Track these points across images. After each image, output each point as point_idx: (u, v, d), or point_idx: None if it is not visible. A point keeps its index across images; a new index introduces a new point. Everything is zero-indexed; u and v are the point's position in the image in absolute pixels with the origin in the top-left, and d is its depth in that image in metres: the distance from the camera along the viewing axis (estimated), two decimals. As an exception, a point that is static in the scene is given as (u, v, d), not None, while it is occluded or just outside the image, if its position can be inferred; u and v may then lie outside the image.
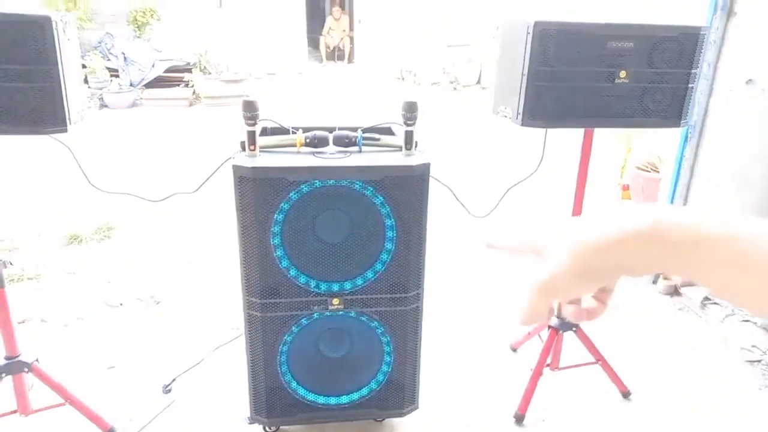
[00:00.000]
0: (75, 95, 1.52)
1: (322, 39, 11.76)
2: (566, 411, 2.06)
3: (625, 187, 3.40)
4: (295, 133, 1.72)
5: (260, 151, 1.63)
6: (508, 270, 3.14)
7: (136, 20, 8.63)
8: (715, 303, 2.68)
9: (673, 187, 2.76)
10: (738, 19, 2.42)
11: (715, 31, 2.50)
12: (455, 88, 10.02)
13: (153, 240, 3.55)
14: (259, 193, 1.55)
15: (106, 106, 8.07)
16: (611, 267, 0.43)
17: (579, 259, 0.43)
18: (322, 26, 11.65)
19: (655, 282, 2.94)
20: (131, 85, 8.37)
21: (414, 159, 1.62)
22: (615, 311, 2.74)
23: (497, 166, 4.96)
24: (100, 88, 8.08)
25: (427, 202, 1.64)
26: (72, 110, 1.49)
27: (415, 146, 1.70)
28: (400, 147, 1.67)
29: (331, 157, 1.63)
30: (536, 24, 1.56)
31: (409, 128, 1.65)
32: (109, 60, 8.47)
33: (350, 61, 11.55)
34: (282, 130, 1.79)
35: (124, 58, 8.42)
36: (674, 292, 2.86)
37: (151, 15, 8.58)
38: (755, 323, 2.51)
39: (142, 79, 8.48)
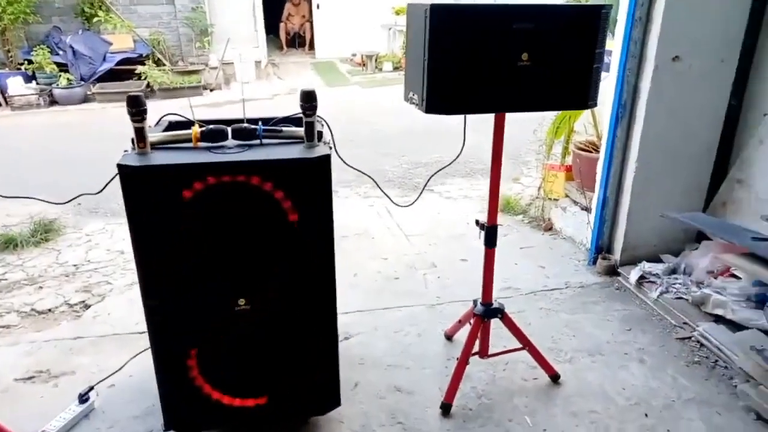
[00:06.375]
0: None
1: (282, 26, 11.52)
2: (494, 398, 2.05)
3: (568, 168, 3.39)
4: (202, 127, 1.65)
5: (152, 149, 1.56)
6: (438, 258, 3.12)
7: (84, 12, 8.32)
8: (650, 282, 2.69)
9: (606, 168, 2.74)
10: (662, -5, 2.40)
11: (640, 8, 2.47)
12: (417, 73, 9.91)
13: (92, 243, 3.44)
14: (149, 194, 1.47)
15: (56, 102, 7.82)
16: None
17: None
18: (282, 13, 11.40)
19: (594, 263, 2.95)
20: (82, 79, 8.10)
21: (314, 151, 1.57)
22: (552, 293, 2.74)
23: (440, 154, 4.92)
24: (49, 84, 7.81)
25: (331, 194, 1.59)
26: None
27: (319, 137, 1.64)
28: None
29: (228, 152, 1.56)
30: (432, 7, 1.51)
31: (309, 119, 1.59)
32: (57, 54, 8.18)
33: (310, 47, 11.35)
34: (188, 124, 1.72)
35: (73, 51, 8.13)
36: (612, 272, 2.87)
37: (100, 6, 8.28)
38: (687, 300, 2.52)
39: (94, 72, 8.21)
